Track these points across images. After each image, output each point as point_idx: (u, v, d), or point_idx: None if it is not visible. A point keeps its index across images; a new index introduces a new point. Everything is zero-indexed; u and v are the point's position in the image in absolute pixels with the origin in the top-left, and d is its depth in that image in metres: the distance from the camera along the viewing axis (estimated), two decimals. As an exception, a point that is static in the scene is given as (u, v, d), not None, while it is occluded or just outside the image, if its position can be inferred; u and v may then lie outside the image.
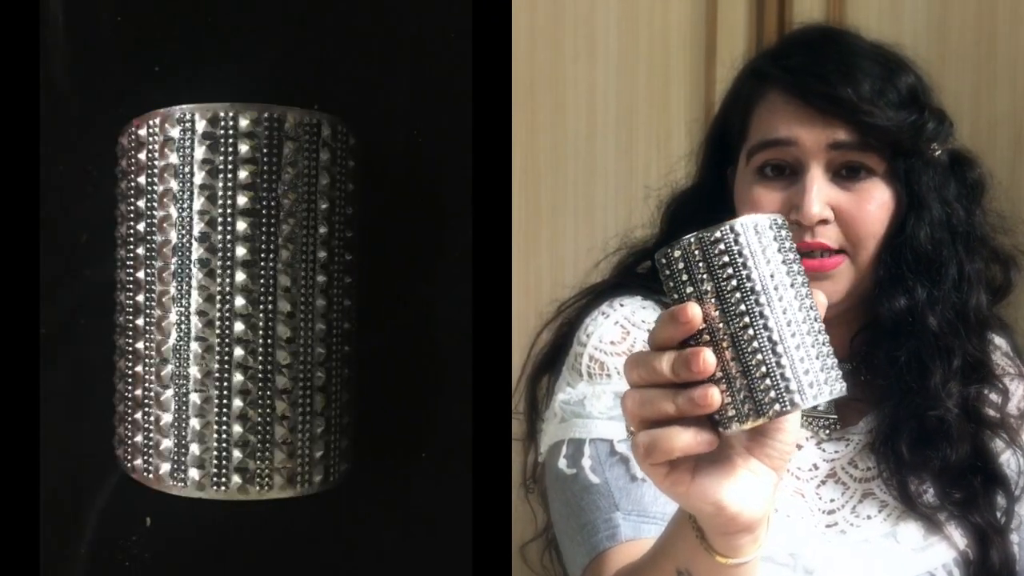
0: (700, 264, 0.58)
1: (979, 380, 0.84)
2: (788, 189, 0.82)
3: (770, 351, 0.57)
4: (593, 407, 0.82)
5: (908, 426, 0.82)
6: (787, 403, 0.56)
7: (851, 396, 0.64)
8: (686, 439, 0.56)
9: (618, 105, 1.21)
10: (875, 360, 0.84)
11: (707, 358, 0.56)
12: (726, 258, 0.57)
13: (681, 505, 0.61)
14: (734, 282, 0.57)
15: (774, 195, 0.82)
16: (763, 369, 0.56)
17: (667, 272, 0.58)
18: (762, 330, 0.57)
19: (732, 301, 0.57)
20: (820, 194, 0.81)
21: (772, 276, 0.57)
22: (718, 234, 0.57)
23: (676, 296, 0.58)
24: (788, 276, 0.58)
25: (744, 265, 0.57)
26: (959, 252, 0.83)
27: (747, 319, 0.57)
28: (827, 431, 0.86)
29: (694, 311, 0.56)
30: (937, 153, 0.84)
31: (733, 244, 0.57)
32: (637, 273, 0.92)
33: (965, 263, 0.83)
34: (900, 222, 0.82)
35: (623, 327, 0.85)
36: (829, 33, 0.92)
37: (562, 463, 0.81)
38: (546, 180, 1.23)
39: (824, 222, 0.81)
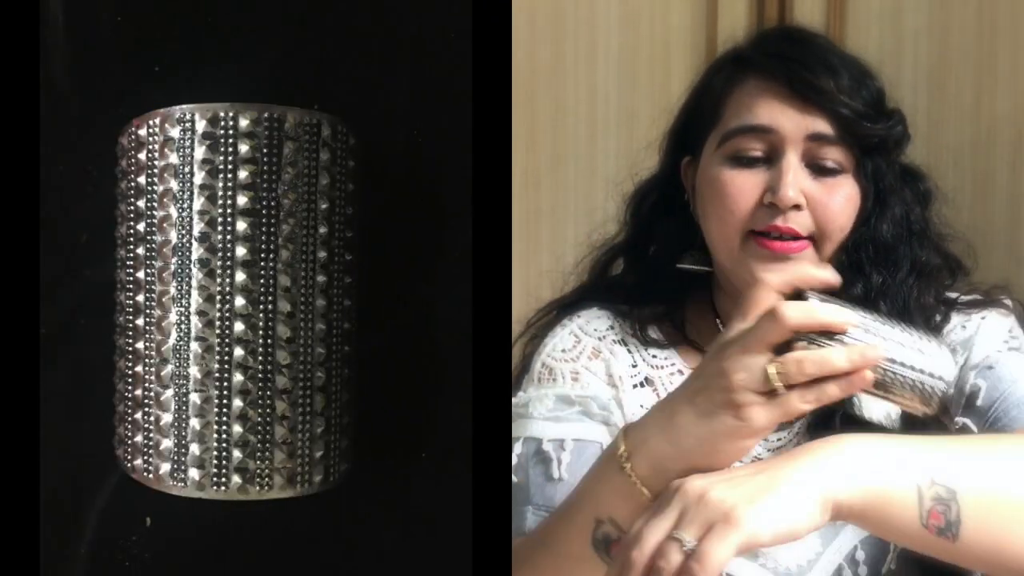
0: None
1: None
2: (762, 174, 0.85)
3: None
4: (535, 409, 0.88)
5: (842, 409, 0.84)
6: None
7: None
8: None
9: (618, 106, 1.21)
10: None
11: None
12: None
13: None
14: None
15: (747, 178, 0.85)
16: None
17: None
18: None
19: None
20: (796, 179, 0.83)
21: None
22: None
23: None
24: None
25: None
26: (914, 247, 0.87)
27: None
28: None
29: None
30: (899, 157, 0.88)
31: None
32: (607, 277, 0.97)
33: (919, 258, 0.87)
34: (865, 217, 0.86)
35: (575, 335, 0.92)
36: (805, 31, 0.95)
37: None
38: (546, 180, 1.23)
39: (797, 208, 0.84)
